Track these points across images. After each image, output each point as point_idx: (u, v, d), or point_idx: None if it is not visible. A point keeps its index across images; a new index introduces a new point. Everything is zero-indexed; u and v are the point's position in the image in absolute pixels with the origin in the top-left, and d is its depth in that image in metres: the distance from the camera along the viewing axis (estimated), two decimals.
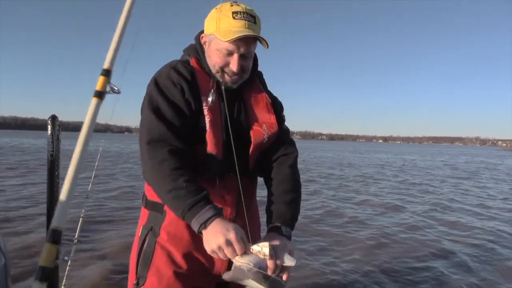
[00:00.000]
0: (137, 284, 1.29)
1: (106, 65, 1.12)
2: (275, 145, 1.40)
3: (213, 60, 1.28)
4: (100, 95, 1.09)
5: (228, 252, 1.08)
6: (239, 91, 1.36)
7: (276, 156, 1.41)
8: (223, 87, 1.30)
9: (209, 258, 1.25)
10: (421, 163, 26.00)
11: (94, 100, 1.08)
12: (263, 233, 1.39)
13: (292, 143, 1.47)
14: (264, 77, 1.49)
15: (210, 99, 1.25)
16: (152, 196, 1.31)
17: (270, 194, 1.36)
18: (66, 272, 1.94)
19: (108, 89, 1.10)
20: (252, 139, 1.33)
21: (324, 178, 13.28)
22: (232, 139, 1.24)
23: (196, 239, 1.24)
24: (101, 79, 1.11)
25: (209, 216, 1.10)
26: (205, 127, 1.24)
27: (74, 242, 1.88)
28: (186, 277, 1.27)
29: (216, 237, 1.08)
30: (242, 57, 1.26)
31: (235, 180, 1.26)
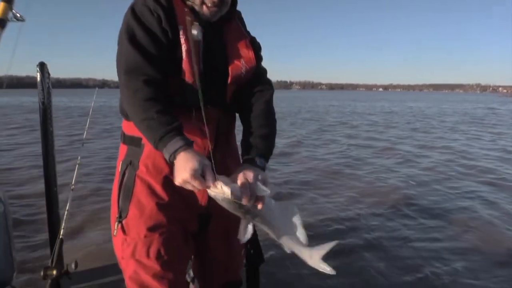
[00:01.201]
0: (120, 217, 1.29)
1: None
2: (251, 81, 1.40)
3: None
4: (0, 23, 0.99)
5: (195, 183, 1.07)
6: (218, 26, 1.34)
7: (253, 92, 1.40)
8: (201, 20, 1.28)
9: (190, 190, 1.21)
10: (429, 110, 25.62)
11: None
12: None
13: (269, 82, 1.47)
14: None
15: (195, 32, 1.24)
16: (130, 130, 1.33)
17: (245, 129, 1.36)
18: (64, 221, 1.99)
19: (10, 16, 1.01)
20: (230, 72, 1.32)
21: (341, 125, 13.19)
22: (204, 71, 1.25)
23: None
24: (1, 5, 1.03)
25: (177, 147, 1.10)
26: (182, 57, 1.23)
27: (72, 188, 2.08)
28: (168, 208, 1.29)
29: (181, 170, 1.08)
30: None
31: (214, 112, 1.29)
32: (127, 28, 1.22)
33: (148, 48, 1.19)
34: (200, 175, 1.06)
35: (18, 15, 1.02)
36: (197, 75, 1.22)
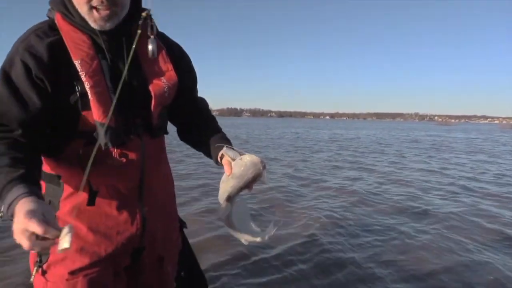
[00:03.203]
0: (40, 261, 1.17)
1: None
2: (184, 95, 1.33)
3: None
4: None
5: (22, 241, 0.85)
6: (124, 39, 1.17)
7: (190, 106, 1.39)
8: (102, 40, 1.13)
9: (121, 224, 1.20)
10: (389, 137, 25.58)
11: None
12: (178, 199, 1.47)
13: (200, 98, 1.46)
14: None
15: (150, 47, 1.20)
16: (48, 168, 1.21)
17: (198, 133, 1.37)
18: None
19: None
20: (153, 94, 1.20)
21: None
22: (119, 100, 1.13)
23: (101, 208, 1.19)
24: None
25: (13, 198, 0.91)
26: (87, 93, 1.08)
27: None
28: (94, 248, 1.17)
29: (14, 225, 0.86)
30: None
31: (137, 143, 1.20)
32: None
33: (3, 108, 1.06)
34: (41, 220, 0.84)
35: None
36: (110, 111, 1.10)
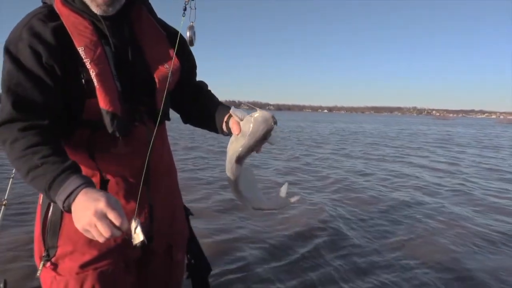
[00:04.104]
0: (48, 255, 1.15)
1: None
2: (184, 80, 1.31)
3: None
4: None
5: (101, 225, 0.87)
6: (125, 25, 1.16)
7: (191, 90, 1.36)
8: (104, 26, 1.11)
9: (129, 214, 1.08)
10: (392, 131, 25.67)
11: None
12: (181, 187, 1.45)
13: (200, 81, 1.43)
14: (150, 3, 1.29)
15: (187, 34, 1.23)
16: None
17: (201, 109, 1.32)
18: None
19: None
20: (156, 80, 1.18)
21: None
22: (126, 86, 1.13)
23: None
24: None
25: (73, 188, 0.92)
26: (92, 80, 1.05)
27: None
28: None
29: (83, 211, 0.89)
30: None
31: (143, 130, 1.19)
32: (3, 73, 1.04)
33: (23, 94, 1.02)
34: (105, 216, 0.88)
35: None
36: (116, 98, 1.09)
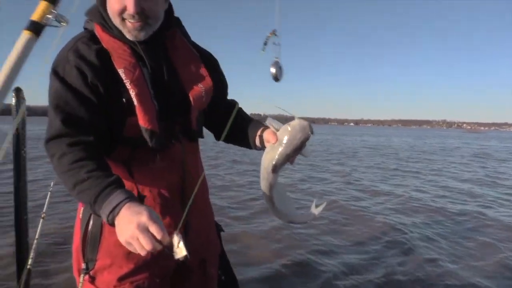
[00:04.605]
0: (87, 268, 1.19)
1: None
2: (216, 99, 1.34)
3: (111, 8, 1.13)
4: (35, 27, 0.75)
5: (143, 239, 0.91)
6: (161, 47, 1.23)
7: (223, 108, 1.39)
8: (140, 49, 1.17)
9: (165, 228, 1.05)
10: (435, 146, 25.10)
11: (25, 35, 0.76)
12: (212, 201, 1.47)
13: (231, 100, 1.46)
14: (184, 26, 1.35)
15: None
16: None
17: (232, 127, 1.25)
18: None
19: (49, 18, 0.78)
20: (191, 99, 1.23)
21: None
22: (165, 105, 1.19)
23: None
24: (42, 5, 0.76)
25: (117, 202, 0.97)
26: (132, 99, 1.12)
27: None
28: (139, 254, 1.05)
29: (126, 225, 0.93)
30: None
31: (179, 147, 1.24)
32: (49, 92, 1.13)
33: (70, 111, 1.09)
34: (147, 229, 0.91)
35: (64, 18, 0.82)
36: (154, 117, 1.14)
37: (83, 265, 1.19)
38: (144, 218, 0.92)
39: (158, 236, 0.91)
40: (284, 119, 1.13)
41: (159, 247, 0.92)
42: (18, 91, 2.03)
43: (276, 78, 1.23)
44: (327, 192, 7.31)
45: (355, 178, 9.28)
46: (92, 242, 1.19)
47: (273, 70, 1.18)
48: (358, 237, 4.43)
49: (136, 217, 0.92)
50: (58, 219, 4.48)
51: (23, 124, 2.07)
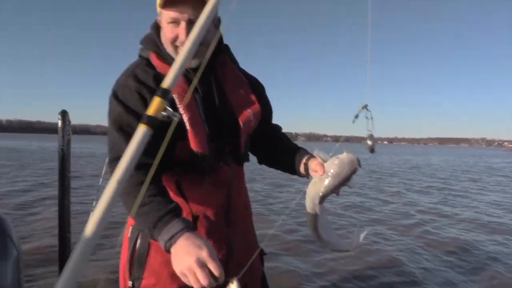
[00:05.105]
0: (133, 286, 1.23)
1: (166, 84, 0.85)
2: (262, 123, 1.38)
3: (165, 36, 1.21)
4: (151, 122, 0.83)
5: (201, 274, 0.94)
6: (212, 73, 1.28)
7: (267, 132, 1.44)
8: (193, 76, 1.22)
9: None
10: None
11: (142, 128, 0.83)
12: (255, 224, 1.47)
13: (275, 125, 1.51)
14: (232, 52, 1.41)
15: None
16: None
17: (276, 152, 1.40)
18: None
19: (164, 114, 0.84)
20: (241, 123, 1.28)
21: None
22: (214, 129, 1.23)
23: None
24: (156, 101, 0.82)
25: (176, 231, 1.01)
26: (184, 124, 1.17)
27: None
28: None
29: (185, 256, 0.96)
30: (191, 24, 1.13)
31: (227, 170, 1.28)
32: (112, 114, 1.19)
33: (132, 133, 1.04)
34: (205, 265, 0.95)
35: (176, 114, 0.84)
36: (205, 140, 1.19)
37: (130, 283, 1.23)
38: (204, 253, 0.95)
39: (217, 274, 0.94)
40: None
41: (214, 284, 0.94)
42: (64, 113, 2.11)
43: (372, 150, 1.26)
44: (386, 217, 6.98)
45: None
46: (139, 261, 1.23)
47: (369, 142, 1.22)
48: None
49: (196, 251, 0.95)
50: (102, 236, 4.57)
51: (68, 145, 2.13)
